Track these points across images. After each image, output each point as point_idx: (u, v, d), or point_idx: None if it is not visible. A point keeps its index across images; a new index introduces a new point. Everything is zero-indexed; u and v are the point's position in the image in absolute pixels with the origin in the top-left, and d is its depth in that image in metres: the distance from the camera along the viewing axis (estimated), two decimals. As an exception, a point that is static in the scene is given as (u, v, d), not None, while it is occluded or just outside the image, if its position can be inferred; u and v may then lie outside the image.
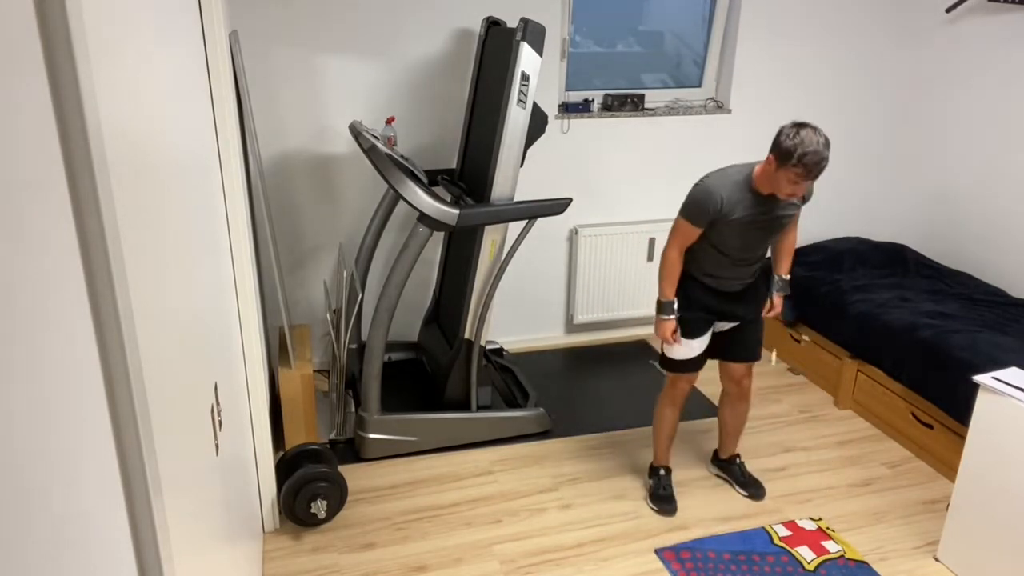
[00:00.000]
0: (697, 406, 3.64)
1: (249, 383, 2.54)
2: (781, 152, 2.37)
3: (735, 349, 2.86)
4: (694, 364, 2.83)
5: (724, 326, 2.84)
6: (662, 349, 2.89)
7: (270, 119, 3.46)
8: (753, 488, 3.03)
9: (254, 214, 3.13)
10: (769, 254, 2.83)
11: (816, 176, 2.37)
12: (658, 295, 2.73)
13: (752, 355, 2.86)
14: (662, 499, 2.97)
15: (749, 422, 3.52)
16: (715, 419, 3.54)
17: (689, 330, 2.75)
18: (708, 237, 2.63)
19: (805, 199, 2.67)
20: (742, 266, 2.70)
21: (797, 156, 2.33)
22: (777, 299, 2.87)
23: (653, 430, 3.02)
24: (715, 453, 3.18)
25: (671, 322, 2.71)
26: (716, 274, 2.71)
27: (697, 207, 2.56)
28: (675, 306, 2.70)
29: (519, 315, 4.15)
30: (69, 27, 0.79)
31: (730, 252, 2.65)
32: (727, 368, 2.91)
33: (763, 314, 2.86)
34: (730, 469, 3.10)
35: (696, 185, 2.61)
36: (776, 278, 2.88)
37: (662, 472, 3.01)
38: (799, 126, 2.36)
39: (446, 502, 2.97)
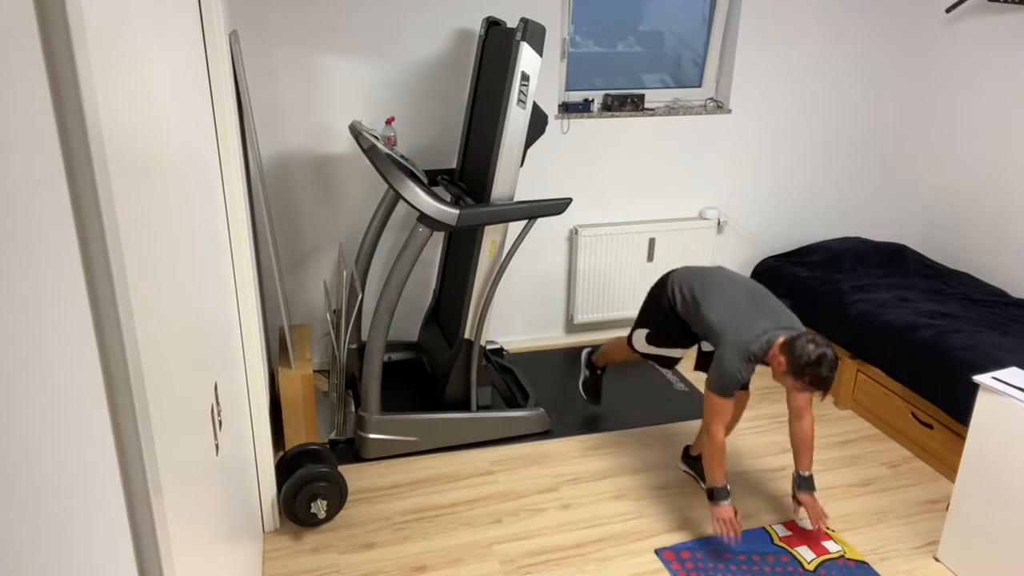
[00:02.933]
0: (690, 407, 3.63)
1: (249, 383, 2.54)
2: (793, 364, 2.43)
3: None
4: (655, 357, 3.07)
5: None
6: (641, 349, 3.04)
7: (270, 119, 3.46)
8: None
9: (254, 214, 3.13)
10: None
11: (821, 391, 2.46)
12: (708, 482, 2.64)
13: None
14: (590, 392, 3.48)
15: (749, 422, 3.52)
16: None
17: (664, 338, 2.89)
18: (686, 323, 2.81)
19: None
20: None
21: (809, 376, 2.41)
22: (804, 498, 2.67)
23: (610, 347, 3.32)
24: (686, 449, 3.16)
25: (728, 508, 2.61)
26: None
27: (730, 387, 2.56)
28: (728, 488, 2.62)
29: (519, 315, 4.15)
30: (69, 27, 0.79)
31: None
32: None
33: (796, 519, 2.83)
34: (698, 467, 3.09)
35: (725, 364, 2.53)
36: (796, 476, 2.71)
37: (599, 371, 3.44)
38: (815, 343, 2.40)
39: (446, 502, 2.97)
